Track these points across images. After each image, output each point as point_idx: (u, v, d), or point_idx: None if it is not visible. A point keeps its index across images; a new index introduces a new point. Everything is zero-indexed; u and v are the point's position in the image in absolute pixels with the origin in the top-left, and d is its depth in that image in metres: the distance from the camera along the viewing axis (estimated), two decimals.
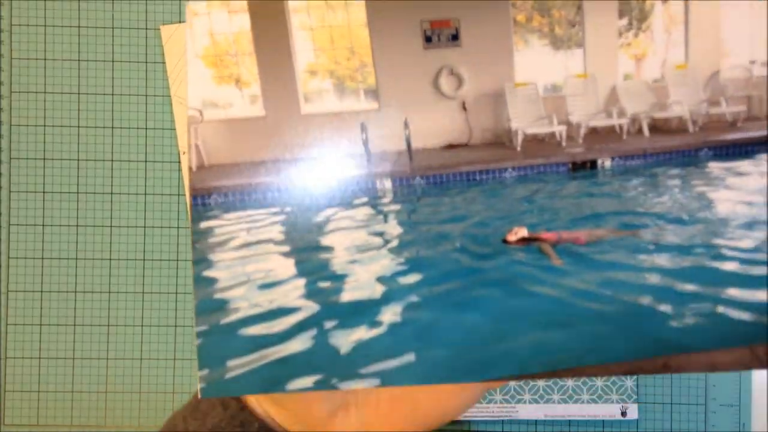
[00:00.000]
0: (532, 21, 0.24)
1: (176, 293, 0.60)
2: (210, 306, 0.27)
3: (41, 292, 0.60)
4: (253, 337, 0.27)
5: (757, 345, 0.24)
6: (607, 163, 0.28)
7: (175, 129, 0.60)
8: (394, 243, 0.29)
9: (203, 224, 0.29)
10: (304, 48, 0.26)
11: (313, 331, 0.27)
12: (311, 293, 0.28)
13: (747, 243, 0.25)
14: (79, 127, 0.60)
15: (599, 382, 0.58)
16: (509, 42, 0.26)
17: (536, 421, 0.59)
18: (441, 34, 0.25)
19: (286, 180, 0.25)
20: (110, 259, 0.60)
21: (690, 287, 0.27)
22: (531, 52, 0.26)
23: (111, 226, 0.60)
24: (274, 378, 0.27)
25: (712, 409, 0.60)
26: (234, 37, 0.27)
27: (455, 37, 0.26)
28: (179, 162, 0.60)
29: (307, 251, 0.29)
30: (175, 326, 0.60)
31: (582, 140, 0.27)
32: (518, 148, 0.28)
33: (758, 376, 0.60)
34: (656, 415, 0.60)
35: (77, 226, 0.60)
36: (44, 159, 0.60)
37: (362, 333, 0.28)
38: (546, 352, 0.27)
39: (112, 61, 0.60)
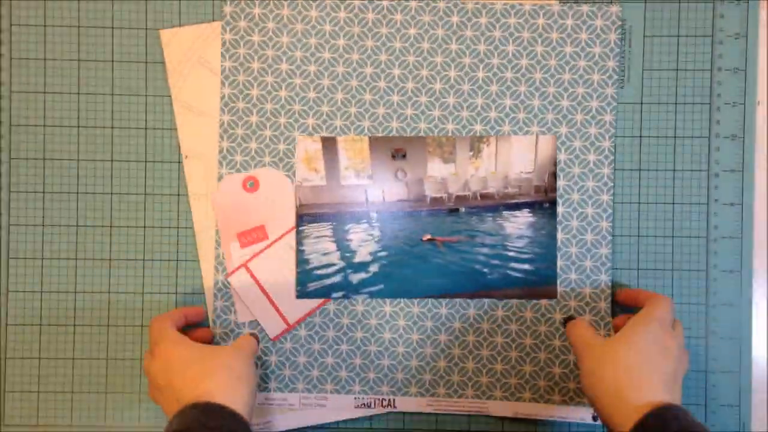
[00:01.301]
0: (435, 150, 0.58)
1: (176, 293, 0.60)
2: (300, 260, 0.59)
3: (41, 292, 0.60)
4: (319, 274, 0.59)
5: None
6: (462, 209, 0.59)
7: (175, 129, 0.60)
8: (378, 238, 0.59)
9: (302, 227, 0.59)
10: (342, 158, 0.59)
11: (341, 274, 0.59)
12: (342, 258, 0.59)
13: (520, 244, 0.58)
14: (79, 127, 0.60)
15: (572, 384, 0.58)
16: (426, 159, 0.58)
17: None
18: (398, 154, 0.58)
19: (333, 212, 0.59)
20: (110, 259, 0.60)
21: (495, 261, 0.58)
22: (434, 165, 0.59)
23: (111, 226, 0.60)
24: (325, 292, 0.58)
25: (712, 409, 0.60)
26: (314, 154, 0.59)
27: (404, 156, 0.58)
28: (179, 162, 0.60)
29: (341, 240, 0.59)
30: None
31: (453, 200, 0.59)
32: (428, 201, 0.59)
33: (758, 376, 0.60)
34: None
35: (77, 226, 0.60)
36: (44, 159, 0.60)
37: (362, 275, 0.59)
38: (438, 286, 0.59)
39: (112, 61, 0.60)
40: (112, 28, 0.60)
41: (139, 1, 0.60)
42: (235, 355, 0.52)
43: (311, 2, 0.58)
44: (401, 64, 0.58)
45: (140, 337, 0.60)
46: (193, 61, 0.59)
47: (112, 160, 0.60)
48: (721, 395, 0.60)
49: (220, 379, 0.49)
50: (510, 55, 0.58)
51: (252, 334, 0.57)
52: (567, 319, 0.57)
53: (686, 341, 0.59)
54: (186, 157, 0.59)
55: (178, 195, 0.60)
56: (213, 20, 0.60)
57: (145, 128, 0.60)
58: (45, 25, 0.60)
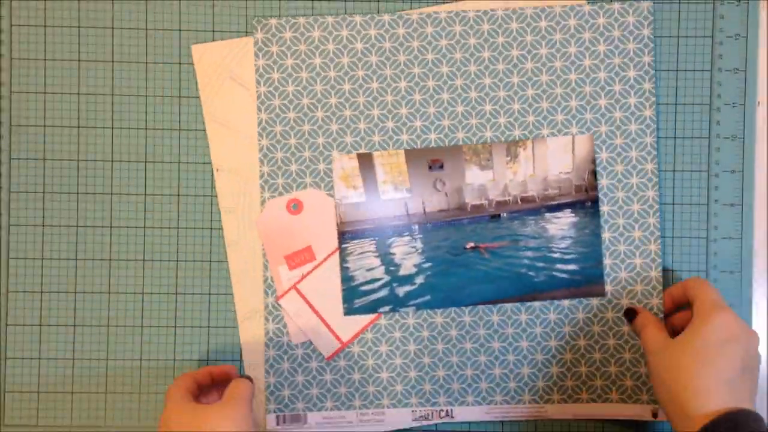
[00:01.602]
0: (472, 158, 0.58)
1: (176, 293, 0.60)
2: (345, 277, 0.59)
3: (41, 292, 0.60)
4: (364, 290, 0.59)
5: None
6: (504, 215, 0.59)
7: (176, 130, 0.60)
8: (421, 249, 0.59)
9: (345, 245, 0.59)
10: (380, 172, 0.59)
11: (388, 288, 0.59)
12: (387, 272, 0.59)
13: (564, 245, 0.58)
14: (79, 127, 0.60)
15: (629, 381, 0.58)
16: (463, 167, 0.58)
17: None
18: (435, 165, 0.58)
19: (376, 227, 0.59)
20: (110, 260, 0.60)
21: (540, 264, 0.59)
22: (471, 173, 0.59)
23: (111, 226, 0.60)
24: (372, 307, 0.59)
25: None
26: (351, 171, 0.59)
27: (441, 166, 0.58)
28: (179, 162, 0.60)
29: (384, 255, 0.59)
30: (175, 326, 0.60)
31: (493, 206, 0.59)
32: (468, 209, 0.59)
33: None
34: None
35: (77, 226, 0.60)
36: (44, 159, 0.60)
37: (408, 288, 0.59)
38: (486, 292, 0.59)
39: (113, 62, 0.60)
40: (112, 28, 0.60)
41: (139, 1, 0.60)
42: (224, 413, 0.51)
43: (341, 22, 0.58)
44: (435, 75, 0.58)
45: (140, 338, 0.60)
46: (224, 77, 0.59)
47: (112, 160, 0.60)
48: None
49: None
50: (543, 58, 0.58)
51: (245, 377, 0.56)
52: (628, 312, 0.57)
53: None
54: (217, 170, 0.59)
55: (178, 195, 0.60)
56: (213, 21, 0.60)
57: (146, 128, 0.60)
58: (45, 25, 0.60)
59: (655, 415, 0.58)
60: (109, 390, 0.60)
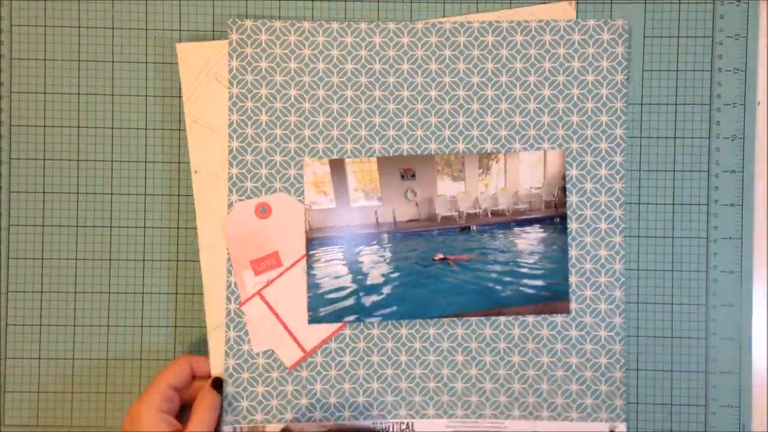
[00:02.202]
0: (444, 169, 0.58)
1: (176, 293, 0.60)
2: (311, 284, 0.58)
3: (41, 292, 0.60)
4: (330, 298, 0.58)
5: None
6: (474, 227, 0.59)
7: (176, 130, 0.60)
8: (389, 259, 0.59)
9: (313, 251, 0.58)
10: (351, 179, 0.58)
11: (354, 297, 0.58)
12: (353, 281, 0.58)
13: (531, 260, 0.58)
14: (79, 127, 0.60)
15: (589, 400, 0.58)
16: (435, 178, 0.58)
17: None
18: (407, 174, 0.58)
19: (343, 234, 0.58)
20: (110, 260, 0.60)
21: (507, 278, 0.58)
22: (443, 184, 0.59)
23: (111, 227, 0.60)
24: (338, 316, 0.58)
25: (712, 410, 0.60)
26: (322, 177, 0.58)
27: (413, 176, 0.58)
28: (179, 163, 0.60)
29: (352, 263, 0.58)
30: (175, 326, 0.60)
31: (464, 218, 0.59)
32: (438, 220, 0.59)
33: (758, 376, 0.60)
34: (656, 415, 0.60)
35: (77, 226, 0.60)
36: (44, 159, 0.60)
37: (375, 297, 0.58)
38: (452, 305, 0.58)
39: (112, 62, 0.60)
40: (113, 28, 0.60)
41: (139, 1, 0.60)
42: None
43: (317, 28, 0.58)
44: (410, 85, 0.58)
45: (140, 338, 0.60)
46: (210, 77, 0.58)
47: (111, 160, 0.60)
48: (721, 396, 0.60)
49: None
50: (518, 72, 0.58)
51: (214, 384, 0.56)
52: None
53: (686, 342, 0.59)
54: (195, 172, 0.58)
55: (178, 195, 0.60)
56: (213, 21, 0.60)
57: (146, 128, 0.60)
58: (45, 25, 0.60)
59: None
60: (109, 390, 0.60)
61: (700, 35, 0.60)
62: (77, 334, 0.60)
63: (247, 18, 0.59)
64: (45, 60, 0.60)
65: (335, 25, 0.58)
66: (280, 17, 0.60)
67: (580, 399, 0.58)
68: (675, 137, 0.60)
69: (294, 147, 0.58)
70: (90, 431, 0.60)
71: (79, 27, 0.60)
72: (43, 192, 0.60)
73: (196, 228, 0.60)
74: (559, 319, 0.58)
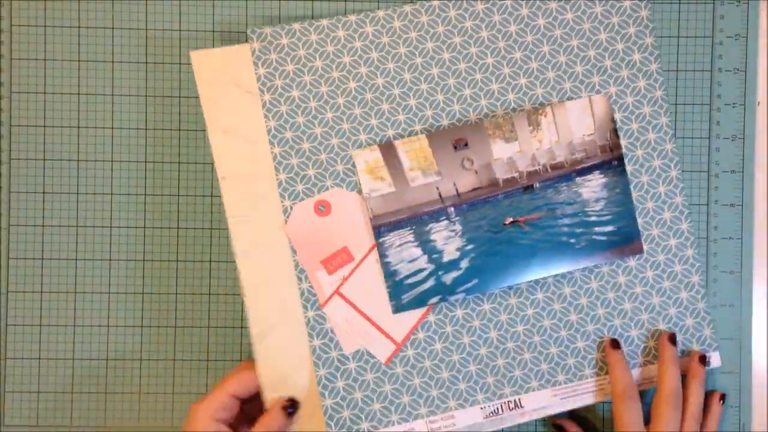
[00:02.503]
0: (495, 132, 0.57)
1: (176, 293, 0.60)
2: (388, 273, 0.57)
3: (41, 292, 0.60)
4: (410, 283, 0.57)
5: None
6: (537, 185, 0.58)
7: (176, 130, 0.60)
8: (461, 232, 0.57)
9: (382, 239, 0.57)
10: (405, 160, 0.57)
11: (434, 277, 0.57)
12: (430, 261, 0.57)
13: (598, 207, 0.58)
14: (79, 127, 0.60)
15: (679, 336, 0.58)
16: (488, 143, 0.57)
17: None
18: (459, 144, 0.57)
19: (409, 216, 0.57)
20: (110, 260, 0.60)
21: (579, 230, 0.58)
22: (497, 147, 0.58)
23: (111, 227, 0.60)
24: (421, 300, 0.56)
25: None
26: (375, 163, 0.58)
27: (466, 144, 0.57)
28: (179, 163, 0.60)
29: (425, 243, 0.57)
30: (175, 327, 0.60)
31: (525, 177, 0.58)
32: (501, 184, 0.58)
33: (758, 376, 0.60)
34: None
35: (77, 226, 0.60)
36: (44, 159, 0.60)
37: (455, 273, 0.57)
38: (531, 266, 0.57)
39: (112, 62, 0.60)
40: (113, 28, 0.60)
41: (139, 1, 0.60)
42: None
43: (336, 24, 0.58)
44: (438, 63, 0.58)
45: (140, 338, 0.60)
46: (226, 83, 0.57)
47: (112, 161, 0.60)
48: None
49: None
50: (547, 55, 0.58)
51: (285, 406, 0.54)
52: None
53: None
54: (223, 179, 0.57)
55: (178, 195, 0.60)
56: (213, 21, 0.60)
57: (146, 128, 0.60)
58: (45, 25, 0.60)
59: (707, 363, 0.58)
60: (109, 390, 0.60)
61: (700, 35, 0.60)
62: (77, 334, 0.60)
63: (247, 20, 0.59)
64: (45, 60, 0.60)
65: (353, 18, 0.58)
66: (280, 17, 0.60)
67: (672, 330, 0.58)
68: (675, 137, 0.60)
69: (337, 143, 0.57)
70: (90, 431, 0.60)
71: (79, 27, 0.60)
72: (43, 192, 0.60)
73: (196, 228, 0.60)
74: (632, 263, 0.58)
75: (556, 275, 0.58)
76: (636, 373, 0.58)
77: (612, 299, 0.58)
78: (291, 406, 0.54)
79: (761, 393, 0.60)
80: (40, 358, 0.60)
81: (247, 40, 0.58)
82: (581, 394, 0.58)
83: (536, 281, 0.58)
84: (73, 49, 0.60)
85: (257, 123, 0.57)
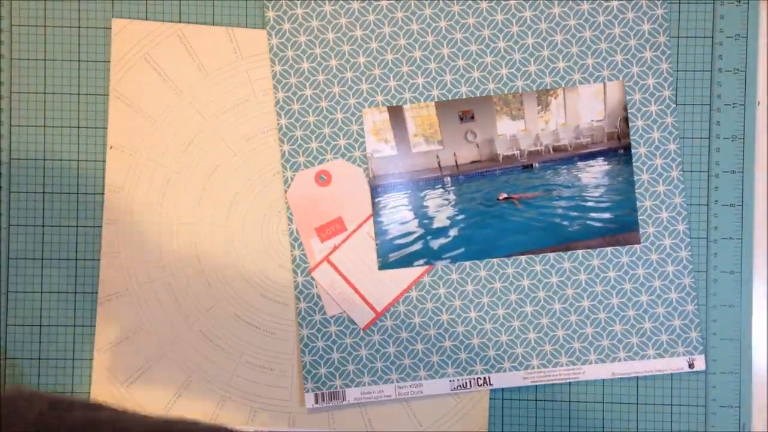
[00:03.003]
0: (503, 108, 0.59)
1: None
2: (379, 231, 0.59)
3: (41, 292, 0.60)
4: (398, 244, 0.59)
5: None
6: (536, 165, 0.59)
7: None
8: (454, 201, 0.59)
9: (378, 199, 0.59)
10: (411, 125, 0.59)
11: (422, 241, 0.59)
12: (420, 225, 0.59)
13: (597, 193, 0.58)
14: (79, 127, 0.60)
15: (664, 336, 0.58)
16: (494, 118, 0.58)
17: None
18: (466, 116, 0.59)
19: (407, 180, 0.59)
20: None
21: (574, 213, 0.58)
22: (503, 123, 0.59)
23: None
24: (407, 261, 0.59)
25: (712, 410, 0.60)
26: (381, 124, 0.59)
27: (472, 117, 0.59)
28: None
29: (417, 208, 0.59)
30: None
31: (526, 156, 0.59)
32: (500, 160, 0.59)
33: (758, 376, 0.60)
34: (656, 416, 0.60)
35: (77, 226, 0.60)
36: (44, 159, 0.60)
37: (442, 240, 0.59)
38: (519, 244, 0.58)
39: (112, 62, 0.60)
40: (112, 28, 0.60)
41: (139, 1, 0.60)
42: None
43: None
44: (461, 27, 0.58)
45: None
46: (139, 57, 0.59)
47: None
48: (721, 396, 0.60)
49: None
50: (572, 29, 0.58)
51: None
52: None
53: None
54: (111, 147, 0.59)
55: None
56: (213, 22, 0.60)
57: None
58: (45, 25, 0.60)
59: (691, 365, 0.58)
60: None
61: (700, 35, 0.60)
62: (77, 335, 0.60)
63: (247, 20, 0.59)
64: (45, 60, 0.60)
65: None
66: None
67: (654, 336, 0.58)
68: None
69: (341, 117, 0.58)
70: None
71: (79, 27, 0.60)
72: (43, 192, 0.60)
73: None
74: (624, 259, 0.58)
75: (544, 263, 0.58)
76: (616, 367, 0.58)
77: (600, 293, 0.58)
78: None
79: (761, 393, 0.60)
80: (40, 358, 0.60)
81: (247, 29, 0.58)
82: (552, 379, 0.59)
83: (522, 267, 0.58)
84: (73, 49, 0.60)
85: (157, 100, 0.59)
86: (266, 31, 0.58)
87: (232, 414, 0.59)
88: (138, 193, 0.59)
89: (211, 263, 0.59)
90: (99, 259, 0.60)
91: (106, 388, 0.59)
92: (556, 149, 0.59)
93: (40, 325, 0.60)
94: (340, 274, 0.58)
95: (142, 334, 0.59)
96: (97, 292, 0.60)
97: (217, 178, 0.59)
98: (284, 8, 0.58)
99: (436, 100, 0.58)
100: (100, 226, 0.60)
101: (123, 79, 0.59)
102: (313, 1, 0.58)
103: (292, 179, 0.59)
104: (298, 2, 0.58)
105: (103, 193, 0.60)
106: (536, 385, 0.59)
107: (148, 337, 0.59)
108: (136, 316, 0.59)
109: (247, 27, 0.60)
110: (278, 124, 0.59)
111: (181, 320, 0.59)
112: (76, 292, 0.60)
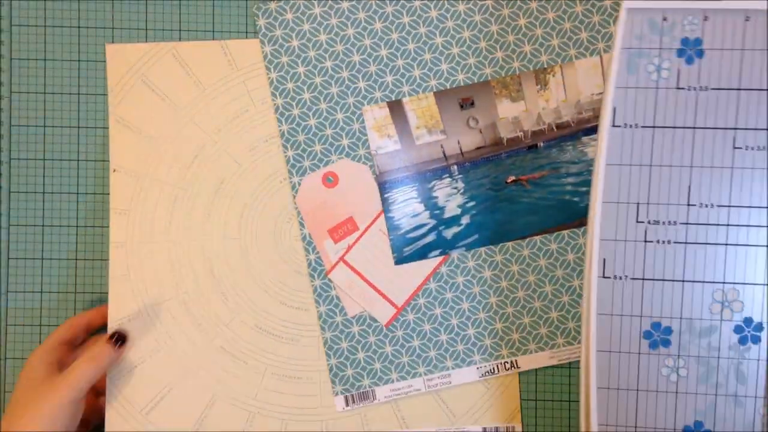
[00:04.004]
0: (502, 91, 0.59)
1: None
2: (391, 227, 0.59)
3: (41, 292, 0.60)
4: (412, 237, 0.59)
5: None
6: (541, 144, 0.59)
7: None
8: (462, 189, 0.59)
9: (387, 194, 0.59)
10: (412, 118, 0.59)
11: (434, 232, 0.59)
12: (432, 216, 0.59)
13: None
14: (79, 127, 0.60)
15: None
16: (494, 102, 0.59)
17: None
18: (466, 103, 0.59)
19: (413, 173, 0.59)
20: (110, 260, 0.60)
21: (584, 189, 0.58)
22: (503, 106, 0.59)
23: (111, 227, 0.60)
24: (422, 253, 0.59)
25: None
26: (382, 120, 0.59)
27: (472, 104, 0.59)
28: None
29: (427, 200, 0.59)
30: None
31: (529, 137, 0.59)
32: (504, 143, 0.59)
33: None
34: None
35: (77, 226, 0.60)
36: (44, 159, 0.60)
37: (455, 229, 0.59)
38: (532, 224, 0.59)
39: None
40: (112, 28, 0.60)
41: (139, 1, 0.60)
42: (49, 398, 0.52)
43: None
44: (453, 15, 0.58)
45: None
46: (136, 79, 0.59)
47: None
48: None
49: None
50: None
51: (113, 337, 0.57)
52: None
53: None
54: (114, 171, 0.59)
55: None
56: (213, 22, 0.60)
57: None
58: (45, 25, 0.59)
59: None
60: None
61: None
62: None
63: (247, 21, 0.60)
64: (45, 60, 0.60)
65: None
66: None
67: None
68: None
69: (341, 117, 0.59)
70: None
71: (79, 27, 0.60)
72: (43, 192, 0.60)
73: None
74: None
75: (559, 241, 0.58)
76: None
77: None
78: (118, 339, 0.57)
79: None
80: None
81: (247, 36, 0.59)
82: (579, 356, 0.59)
83: (537, 247, 0.59)
84: (73, 49, 0.60)
85: (157, 121, 0.59)
86: (259, 39, 0.58)
87: (263, 429, 0.59)
88: (145, 213, 0.59)
89: (226, 277, 0.59)
90: (99, 259, 0.60)
91: (124, 420, 0.59)
92: (559, 126, 0.59)
93: (40, 326, 0.60)
94: (357, 273, 0.59)
95: (160, 356, 0.59)
96: (97, 292, 0.60)
97: (224, 192, 0.59)
98: (274, 15, 0.58)
99: (434, 90, 0.59)
100: (101, 226, 0.60)
101: (122, 103, 0.59)
102: (302, 5, 0.58)
103: (299, 184, 0.59)
104: (288, 7, 0.58)
105: (103, 194, 0.60)
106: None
107: (167, 359, 0.59)
108: (151, 338, 0.59)
109: (239, 37, 0.60)
110: (280, 130, 0.59)
111: (200, 338, 0.59)
112: (76, 292, 0.60)
